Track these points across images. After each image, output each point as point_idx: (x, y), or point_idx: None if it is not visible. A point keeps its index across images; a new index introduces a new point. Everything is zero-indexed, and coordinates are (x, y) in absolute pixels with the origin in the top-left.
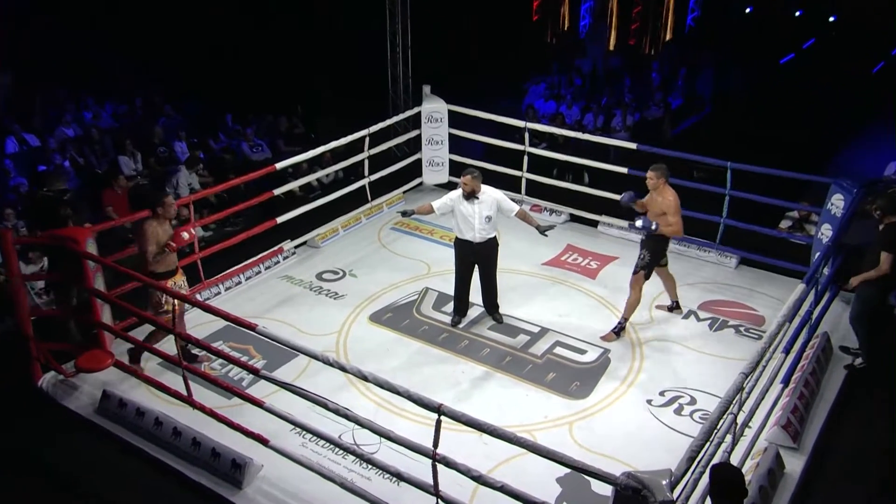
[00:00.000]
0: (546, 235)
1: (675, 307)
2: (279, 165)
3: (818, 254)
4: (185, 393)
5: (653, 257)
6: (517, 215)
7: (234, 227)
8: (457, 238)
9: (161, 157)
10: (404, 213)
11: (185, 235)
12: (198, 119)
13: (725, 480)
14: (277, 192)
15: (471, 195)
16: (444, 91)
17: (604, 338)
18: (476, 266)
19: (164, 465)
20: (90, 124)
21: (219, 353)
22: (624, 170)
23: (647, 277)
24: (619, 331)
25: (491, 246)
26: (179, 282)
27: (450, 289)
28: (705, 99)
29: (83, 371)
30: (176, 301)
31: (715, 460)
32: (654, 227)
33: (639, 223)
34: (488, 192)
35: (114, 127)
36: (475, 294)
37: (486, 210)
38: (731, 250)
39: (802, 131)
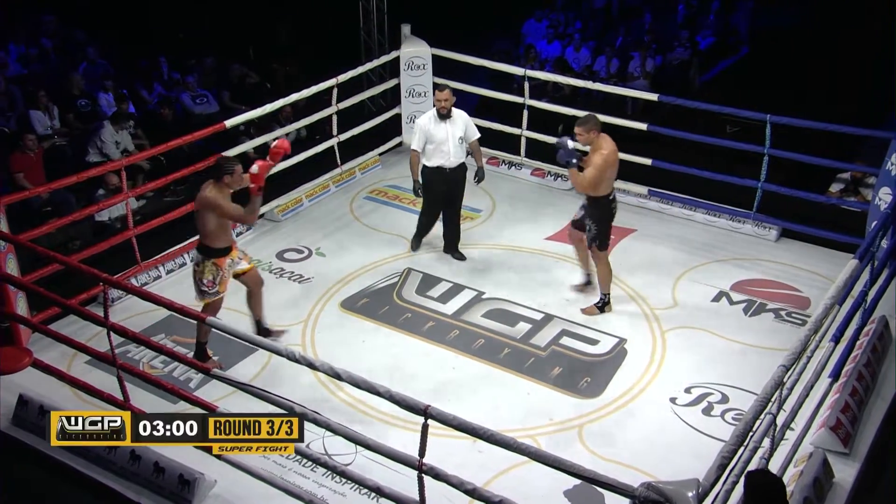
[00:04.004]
0: (476, 184)
1: (587, 283)
2: (229, 123)
3: (875, 223)
4: (120, 397)
5: (600, 225)
6: (471, 146)
7: (176, 196)
8: (424, 166)
9: (82, 111)
10: (417, 192)
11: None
12: (127, 64)
13: (762, 490)
14: (227, 154)
15: (448, 114)
16: (426, 32)
17: (585, 311)
18: (445, 201)
19: (96, 484)
20: None
21: (160, 349)
22: (643, 126)
23: (602, 248)
24: (601, 306)
25: (462, 171)
26: (237, 257)
27: (436, 270)
28: (742, 37)
29: None
30: (226, 281)
31: (750, 468)
32: (571, 160)
33: (560, 151)
34: (456, 112)
35: (22, 74)
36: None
37: (458, 131)
38: (770, 220)
39: (863, 82)
